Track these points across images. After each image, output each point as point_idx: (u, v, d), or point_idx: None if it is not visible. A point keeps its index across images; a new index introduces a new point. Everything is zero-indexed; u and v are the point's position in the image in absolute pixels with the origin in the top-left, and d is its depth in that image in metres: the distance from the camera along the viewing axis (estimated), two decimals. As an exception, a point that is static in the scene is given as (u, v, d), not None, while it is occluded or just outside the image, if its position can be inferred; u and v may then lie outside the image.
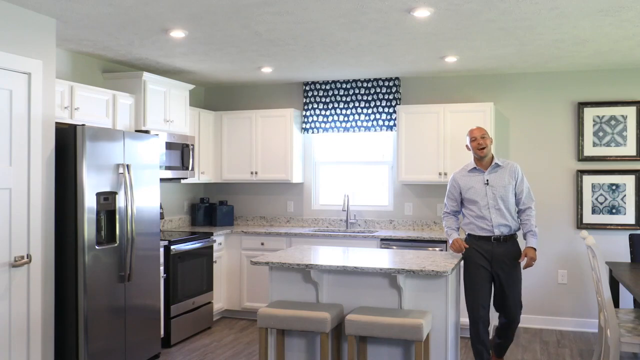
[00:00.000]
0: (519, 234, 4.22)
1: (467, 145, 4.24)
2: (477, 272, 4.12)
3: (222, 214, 6.41)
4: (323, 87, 6.32)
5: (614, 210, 5.53)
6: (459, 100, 5.89)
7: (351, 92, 6.23)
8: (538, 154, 5.77)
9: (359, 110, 6.21)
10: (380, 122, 6.12)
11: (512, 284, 4.11)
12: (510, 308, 4.13)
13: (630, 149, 5.49)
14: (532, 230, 4.14)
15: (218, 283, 5.89)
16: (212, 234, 5.76)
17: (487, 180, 4.14)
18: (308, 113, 6.39)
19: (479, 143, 4.15)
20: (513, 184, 4.15)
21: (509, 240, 4.13)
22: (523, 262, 4.11)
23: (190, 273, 5.36)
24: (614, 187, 5.54)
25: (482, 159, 4.18)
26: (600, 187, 5.58)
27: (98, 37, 4.36)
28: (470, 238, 4.19)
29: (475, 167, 4.20)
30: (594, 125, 5.59)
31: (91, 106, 4.57)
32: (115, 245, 4.21)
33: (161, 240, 4.96)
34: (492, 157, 4.21)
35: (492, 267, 4.10)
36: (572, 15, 3.76)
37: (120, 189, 4.24)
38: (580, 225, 5.61)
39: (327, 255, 4.18)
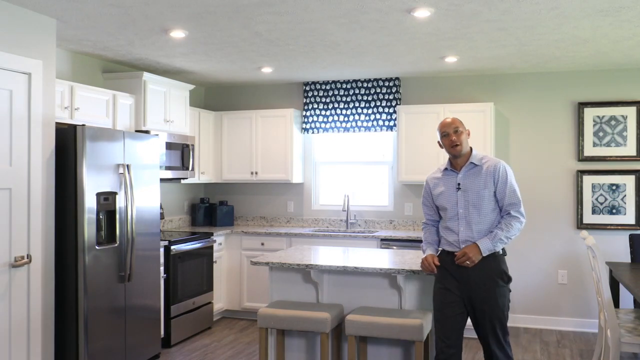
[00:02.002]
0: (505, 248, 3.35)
1: (438, 142, 3.38)
2: (444, 298, 3.28)
3: (222, 214, 6.41)
4: (323, 87, 6.32)
5: (614, 211, 5.53)
6: (459, 100, 5.89)
7: (351, 92, 6.23)
8: (538, 154, 5.77)
9: (359, 110, 6.20)
10: (380, 122, 6.11)
11: (487, 310, 3.18)
12: (485, 340, 3.25)
13: (630, 149, 5.49)
14: (494, 232, 3.20)
15: (218, 283, 5.89)
16: (212, 234, 5.76)
17: (459, 183, 3.29)
18: (308, 113, 6.39)
19: (451, 140, 3.27)
20: (492, 188, 3.24)
21: (484, 258, 3.20)
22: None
23: (190, 273, 5.36)
24: (614, 187, 5.54)
25: (457, 158, 3.33)
26: (600, 187, 5.58)
27: (98, 37, 4.36)
28: (441, 253, 3.39)
29: (447, 168, 3.38)
30: (594, 125, 5.59)
31: (91, 106, 4.57)
32: (116, 245, 4.21)
33: (161, 240, 4.96)
34: (470, 154, 3.33)
35: (462, 292, 3.24)
36: (572, 16, 3.76)
37: (120, 189, 4.24)
38: (581, 225, 5.61)
39: (327, 255, 4.18)
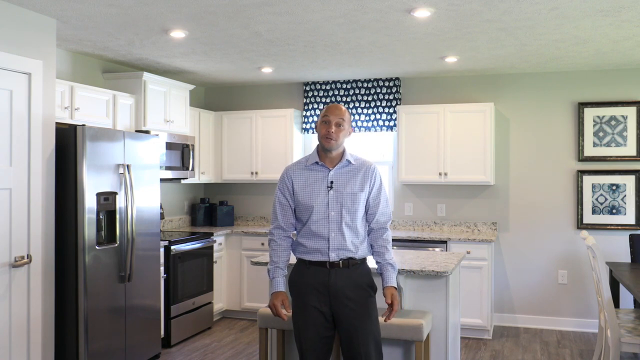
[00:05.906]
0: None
1: (315, 125, 2.98)
2: (307, 318, 2.86)
3: (222, 214, 6.41)
4: (323, 87, 6.32)
5: (614, 211, 5.53)
6: (459, 100, 5.89)
7: (351, 92, 6.23)
8: (538, 154, 5.77)
9: (359, 110, 6.21)
10: (381, 122, 6.11)
11: (360, 327, 2.81)
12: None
13: (630, 149, 5.49)
14: (390, 263, 2.93)
15: (218, 283, 5.89)
16: (212, 234, 5.76)
17: (332, 182, 2.91)
18: (308, 113, 6.39)
19: (329, 131, 2.86)
20: (367, 192, 2.93)
21: (354, 265, 2.89)
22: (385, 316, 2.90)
23: (190, 273, 5.36)
24: (614, 188, 5.54)
25: (329, 152, 2.92)
26: (600, 187, 5.58)
27: (98, 37, 4.36)
28: (298, 265, 2.98)
29: (317, 162, 2.95)
30: (594, 125, 5.59)
31: (91, 106, 4.57)
32: (116, 245, 4.21)
33: (161, 240, 4.96)
34: (343, 152, 2.96)
35: (332, 307, 2.84)
36: (572, 16, 3.76)
37: (120, 189, 4.24)
38: (581, 225, 5.61)
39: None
